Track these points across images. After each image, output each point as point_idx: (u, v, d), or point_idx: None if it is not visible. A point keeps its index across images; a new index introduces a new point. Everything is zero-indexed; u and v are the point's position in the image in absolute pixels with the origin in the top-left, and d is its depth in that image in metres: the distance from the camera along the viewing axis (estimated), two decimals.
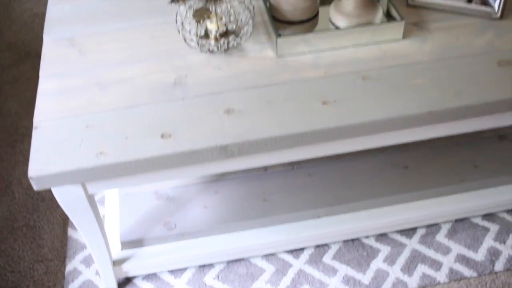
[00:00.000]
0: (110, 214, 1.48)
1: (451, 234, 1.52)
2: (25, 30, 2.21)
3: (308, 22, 1.38)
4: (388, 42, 1.31)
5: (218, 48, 1.26)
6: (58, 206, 1.55)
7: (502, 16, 1.36)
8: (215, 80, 1.23)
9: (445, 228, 1.53)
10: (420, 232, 1.53)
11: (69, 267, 1.47)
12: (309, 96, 1.19)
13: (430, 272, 1.45)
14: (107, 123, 1.15)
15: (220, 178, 1.52)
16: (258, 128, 1.12)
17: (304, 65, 1.26)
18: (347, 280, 1.43)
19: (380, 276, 1.44)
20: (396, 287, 1.42)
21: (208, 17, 1.20)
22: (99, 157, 1.09)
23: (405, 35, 1.32)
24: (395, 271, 1.45)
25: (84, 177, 1.10)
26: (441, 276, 1.44)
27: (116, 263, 1.39)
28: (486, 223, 1.54)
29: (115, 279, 1.40)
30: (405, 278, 1.44)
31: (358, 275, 1.44)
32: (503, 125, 1.27)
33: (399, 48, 1.30)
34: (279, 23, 1.36)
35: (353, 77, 1.23)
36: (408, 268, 1.45)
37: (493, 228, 1.53)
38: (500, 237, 1.51)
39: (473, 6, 1.37)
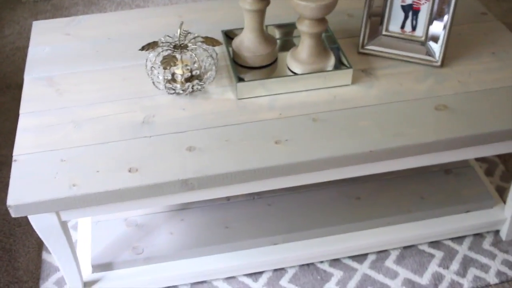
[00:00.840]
0: (82, 239, 1.59)
1: (399, 260, 1.65)
2: (7, 63, 2.33)
3: (267, 67, 1.51)
4: (338, 87, 1.45)
5: (183, 91, 1.39)
6: (33, 231, 1.66)
7: (442, 65, 1.51)
8: (180, 120, 1.36)
9: (394, 254, 1.66)
10: (371, 257, 1.66)
11: None
12: (264, 136, 1.32)
13: None
14: (80, 158, 1.27)
15: (186, 206, 1.64)
16: (216, 165, 1.25)
17: (261, 107, 1.40)
18: None
19: None
20: None
21: (175, 64, 1.33)
22: (72, 188, 1.21)
23: (354, 81, 1.47)
24: None
25: (58, 206, 1.22)
26: None
27: (87, 284, 1.50)
28: (432, 250, 1.68)
29: None
30: None
31: None
32: (439, 163, 1.42)
33: (348, 93, 1.44)
34: (241, 68, 1.50)
35: (304, 119, 1.37)
36: None
37: (438, 254, 1.66)
38: (444, 263, 1.64)
39: (417, 55, 1.52)
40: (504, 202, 1.68)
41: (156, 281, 1.54)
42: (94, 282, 1.51)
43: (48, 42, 1.59)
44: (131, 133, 1.33)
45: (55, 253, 1.37)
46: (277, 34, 1.62)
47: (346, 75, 1.45)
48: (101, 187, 1.21)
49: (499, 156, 1.93)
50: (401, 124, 1.35)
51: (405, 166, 1.40)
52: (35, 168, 1.25)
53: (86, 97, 1.42)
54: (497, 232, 1.72)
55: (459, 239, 1.70)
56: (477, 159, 1.93)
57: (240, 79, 1.42)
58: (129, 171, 1.24)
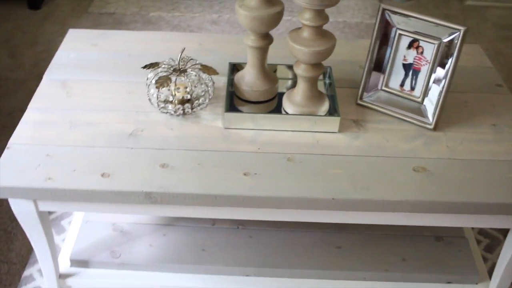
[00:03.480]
0: (70, 234, 1.70)
1: None
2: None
3: (265, 103, 1.57)
4: (324, 133, 1.49)
5: (174, 112, 1.48)
6: None
7: (435, 128, 1.51)
8: (164, 138, 1.44)
9: None
10: None
11: (26, 273, 1.70)
12: (235, 166, 1.37)
13: None
14: (64, 156, 1.38)
15: (172, 223, 1.71)
16: (181, 184, 1.32)
17: (243, 139, 1.45)
18: None
19: None
20: None
21: (167, 85, 1.42)
22: (47, 181, 1.32)
23: (342, 130, 1.50)
24: None
25: (34, 195, 1.33)
26: None
27: (62, 276, 1.60)
28: None
29: None
30: None
31: None
32: (409, 224, 1.41)
33: (331, 140, 1.47)
34: (239, 100, 1.57)
35: (280, 157, 1.41)
36: None
37: None
38: None
39: (412, 114, 1.52)
40: None
41: (126, 286, 1.61)
42: (69, 275, 1.60)
43: (75, 49, 1.74)
44: (116, 142, 1.43)
45: (32, 240, 1.48)
46: (289, 74, 1.68)
47: (333, 122, 1.48)
48: (72, 185, 1.31)
49: (504, 233, 1.87)
50: (372, 179, 1.36)
51: (373, 221, 1.40)
52: (23, 157, 1.37)
53: (89, 103, 1.54)
54: None
55: None
56: (480, 233, 1.87)
57: (231, 110, 1.49)
58: (102, 175, 1.34)
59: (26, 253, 1.75)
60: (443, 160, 1.42)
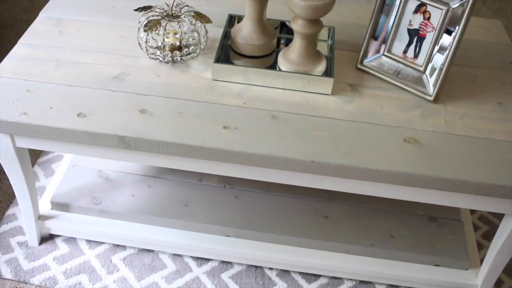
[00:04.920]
0: (55, 177, 1.68)
1: None
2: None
3: (260, 58, 1.51)
4: (316, 94, 1.42)
5: (163, 58, 1.42)
6: None
7: (436, 100, 1.42)
8: (149, 84, 1.39)
9: (346, 285, 1.59)
10: (322, 280, 1.59)
11: (10, 211, 1.69)
12: (216, 118, 1.32)
13: None
14: (43, 93, 1.35)
15: (158, 175, 1.67)
16: (156, 131, 1.27)
17: (230, 92, 1.39)
18: None
19: None
20: None
21: (157, 30, 1.37)
22: (22, 116, 1.29)
23: (335, 92, 1.42)
24: None
25: (8, 129, 1.30)
26: None
27: (42, 217, 1.58)
28: None
29: (36, 230, 1.58)
30: None
31: None
32: (395, 197, 1.33)
33: (323, 102, 1.40)
34: (234, 53, 1.50)
35: (265, 114, 1.35)
36: None
37: None
38: None
39: (412, 83, 1.43)
40: None
41: (105, 235, 1.59)
42: (48, 217, 1.59)
43: None
44: (99, 83, 1.39)
45: (10, 178, 1.46)
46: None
47: (326, 83, 1.41)
48: (46, 121, 1.28)
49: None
50: (357, 145, 1.29)
51: (354, 190, 1.33)
52: (2, 90, 1.34)
53: (80, 43, 1.50)
54: None
55: None
56: (480, 219, 1.78)
57: (222, 62, 1.43)
58: (78, 115, 1.30)
59: (12, 194, 1.74)
60: (438, 134, 1.34)
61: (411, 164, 1.26)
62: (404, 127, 1.35)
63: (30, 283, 1.53)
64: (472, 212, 1.80)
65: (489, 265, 1.47)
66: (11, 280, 1.53)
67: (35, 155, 1.88)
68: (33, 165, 1.84)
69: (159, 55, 1.42)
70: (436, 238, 1.59)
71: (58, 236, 1.64)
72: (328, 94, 1.42)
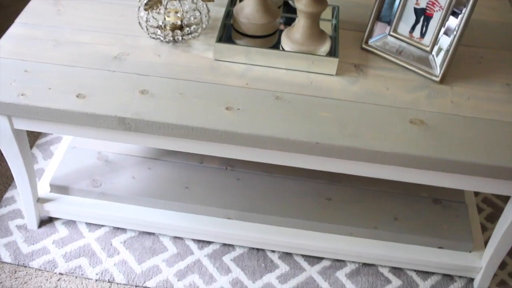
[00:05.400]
0: (55, 159, 1.66)
1: (352, 275, 1.56)
2: None
3: (264, 38, 1.47)
4: (320, 74, 1.39)
5: (164, 38, 1.39)
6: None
7: (442, 81, 1.39)
8: (149, 64, 1.36)
9: (349, 268, 1.57)
10: (325, 263, 1.58)
11: (8, 194, 1.66)
12: (218, 99, 1.29)
13: None
14: (42, 73, 1.32)
15: (159, 157, 1.65)
16: (157, 112, 1.25)
17: (232, 73, 1.37)
18: (235, 283, 1.51)
19: None
20: None
21: (157, 8, 1.33)
22: (20, 97, 1.26)
23: (340, 73, 1.39)
24: None
25: (6, 110, 1.27)
26: None
27: (40, 200, 1.56)
28: (391, 276, 1.56)
29: (35, 213, 1.56)
30: None
31: (247, 282, 1.52)
32: (400, 180, 1.31)
33: (327, 82, 1.37)
34: (237, 33, 1.47)
35: (268, 94, 1.32)
36: None
37: (395, 282, 1.55)
38: None
39: (419, 64, 1.41)
40: None
41: (105, 218, 1.57)
42: (47, 200, 1.56)
43: None
44: (99, 64, 1.35)
45: (8, 160, 1.43)
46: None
47: (331, 63, 1.38)
48: (44, 102, 1.25)
49: None
50: (363, 126, 1.26)
51: (360, 172, 1.31)
52: (0, 71, 1.31)
53: (79, 23, 1.47)
54: (471, 280, 1.57)
55: (425, 274, 1.57)
56: (484, 202, 1.76)
57: (224, 41, 1.40)
58: (77, 96, 1.27)
59: (10, 176, 1.72)
60: (445, 115, 1.31)
61: (417, 145, 1.24)
62: (410, 108, 1.32)
63: (29, 267, 1.51)
64: (476, 194, 1.78)
65: (493, 247, 1.46)
66: (10, 263, 1.51)
67: (33, 137, 1.85)
68: (31, 147, 1.81)
69: (159, 35, 1.39)
70: (440, 220, 1.57)
71: (57, 219, 1.62)
72: (333, 75, 1.39)
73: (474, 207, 1.65)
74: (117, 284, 1.49)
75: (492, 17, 1.66)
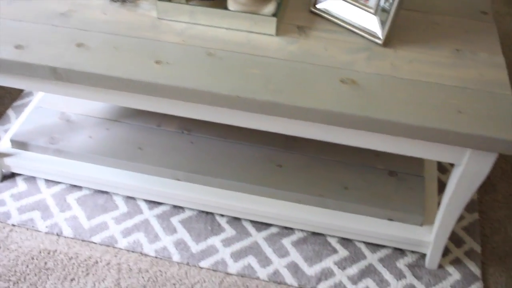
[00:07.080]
0: (20, 118, 1.71)
1: (298, 243, 1.54)
2: None
3: (214, 1, 1.48)
4: (261, 34, 1.38)
5: None
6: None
7: (386, 44, 1.36)
8: (93, 21, 1.40)
9: (297, 236, 1.55)
10: (273, 230, 1.57)
11: None
12: (150, 53, 1.31)
13: (255, 265, 1.49)
14: None
15: (118, 119, 1.68)
16: (88, 63, 1.27)
17: (171, 30, 1.38)
18: (178, 243, 1.52)
19: (209, 252, 1.51)
20: (216, 265, 1.48)
21: None
22: None
23: (280, 34, 1.38)
24: (224, 252, 1.51)
25: None
26: (263, 273, 1.47)
27: (1, 155, 1.62)
28: (338, 246, 1.53)
29: None
30: (229, 261, 1.49)
31: (190, 243, 1.53)
32: (330, 140, 1.28)
33: (265, 42, 1.36)
34: None
35: (201, 50, 1.32)
36: (239, 255, 1.51)
37: (342, 253, 1.52)
38: (343, 263, 1.50)
39: (363, 27, 1.38)
40: None
41: (62, 175, 1.61)
42: (7, 155, 1.62)
43: None
44: (44, 19, 1.40)
45: None
46: None
47: (270, 24, 1.37)
48: None
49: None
50: (289, 83, 1.25)
51: (281, 130, 1.29)
52: None
53: None
54: (423, 256, 1.52)
55: (374, 247, 1.54)
56: None
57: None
58: (16, 47, 1.31)
59: None
60: (380, 76, 1.28)
61: (342, 103, 1.21)
62: (344, 68, 1.30)
63: None
64: (444, 171, 1.72)
65: (440, 220, 1.41)
66: None
67: (11, 99, 1.92)
68: (7, 108, 1.88)
69: None
70: (392, 192, 1.53)
71: (19, 175, 1.67)
72: (273, 35, 1.38)
73: (435, 182, 1.59)
74: (65, 237, 1.53)
75: None
